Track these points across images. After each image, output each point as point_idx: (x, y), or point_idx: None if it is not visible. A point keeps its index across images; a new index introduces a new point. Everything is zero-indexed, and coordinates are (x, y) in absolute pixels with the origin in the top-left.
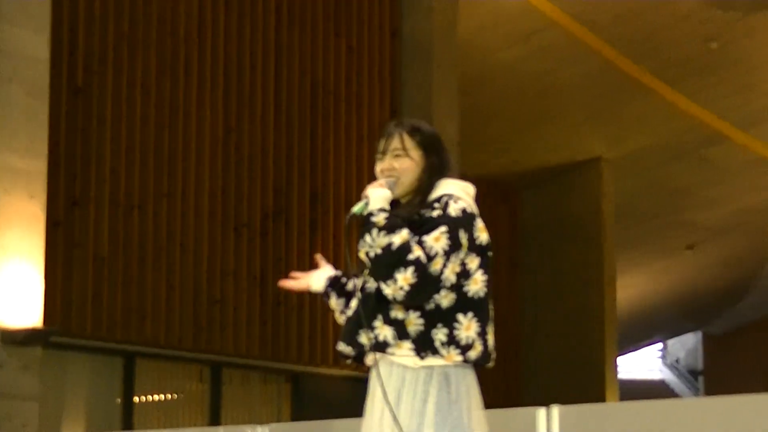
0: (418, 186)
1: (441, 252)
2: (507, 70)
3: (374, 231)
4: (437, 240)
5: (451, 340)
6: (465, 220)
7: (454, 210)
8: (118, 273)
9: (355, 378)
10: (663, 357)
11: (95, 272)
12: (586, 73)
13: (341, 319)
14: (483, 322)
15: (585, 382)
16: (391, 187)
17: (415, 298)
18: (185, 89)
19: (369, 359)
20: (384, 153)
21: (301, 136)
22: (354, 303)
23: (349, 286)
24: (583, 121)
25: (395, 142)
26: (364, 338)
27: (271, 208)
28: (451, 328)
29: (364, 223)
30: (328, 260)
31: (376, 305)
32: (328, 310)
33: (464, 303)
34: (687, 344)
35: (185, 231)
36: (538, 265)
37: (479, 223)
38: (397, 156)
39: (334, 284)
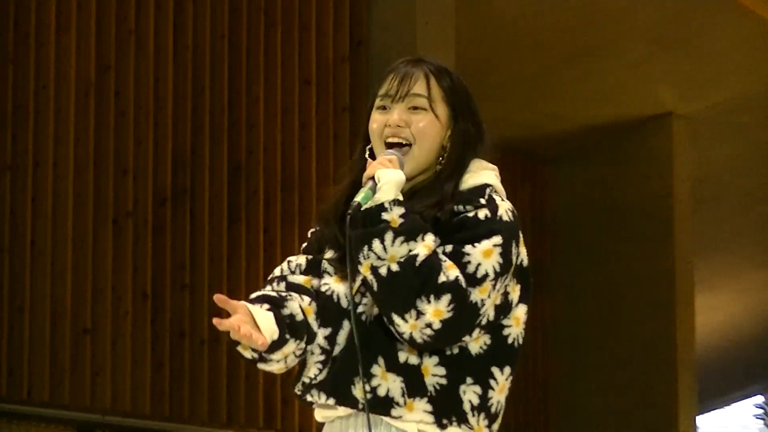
0: (446, 165)
1: (492, 274)
2: None
3: (388, 235)
4: (488, 255)
5: (483, 405)
6: (517, 230)
7: (506, 212)
8: None
9: None
10: (766, 416)
11: None
12: None
13: (307, 374)
14: (511, 385)
15: None
16: (401, 163)
17: (444, 342)
18: (39, 6)
19: (346, 419)
20: (394, 99)
21: (216, 78)
22: (342, 333)
23: (293, 310)
24: (646, 58)
25: (418, 86)
26: (358, 391)
27: (170, 188)
28: (486, 387)
29: (367, 221)
30: (265, 268)
31: (375, 341)
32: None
33: (501, 351)
34: None
35: (38, 223)
36: (576, 275)
37: (520, 234)
38: (416, 108)
39: (281, 321)
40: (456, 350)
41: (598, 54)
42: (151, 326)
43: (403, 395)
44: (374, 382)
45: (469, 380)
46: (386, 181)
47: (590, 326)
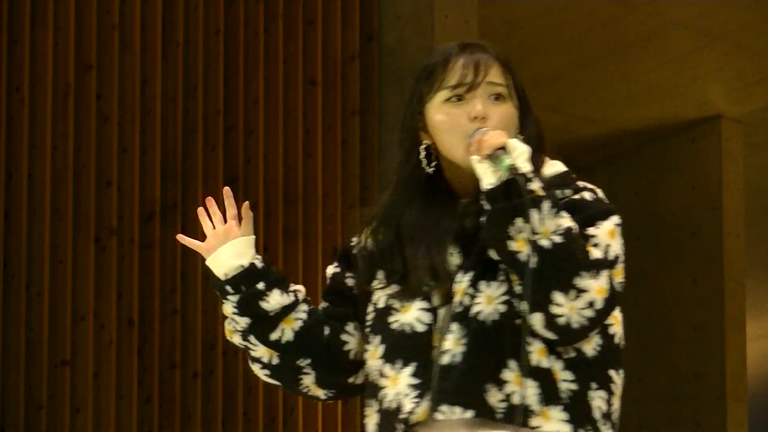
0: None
1: (622, 256)
2: None
3: (545, 205)
4: (612, 236)
5: (609, 412)
6: None
7: (603, 194)
8: None
9: None
10: None
11: None
12: None
13: (250, 340)
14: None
15: None
16: None
17: (592, 329)
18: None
19: None
20: (470, 89)
21: (210, 78)
22: (452, 334)
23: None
24: (693, 53)
25: (495, 73)
26: (493, 397)
27: (158, 201)
28: (609, 392)
29: (513, 191)
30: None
31: (500, 343)
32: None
33: (613, 352)
34: None
35: (11, 241)
36: None
37: None
38: (497, 98)
39: (267, 273)
40: (573, 353)
41: (637, 48)
42: (138, 356)
43: (540, 402)
44: (507, 388)
45: (593, 385)
46: (521, 151)
47: (628, 355)
